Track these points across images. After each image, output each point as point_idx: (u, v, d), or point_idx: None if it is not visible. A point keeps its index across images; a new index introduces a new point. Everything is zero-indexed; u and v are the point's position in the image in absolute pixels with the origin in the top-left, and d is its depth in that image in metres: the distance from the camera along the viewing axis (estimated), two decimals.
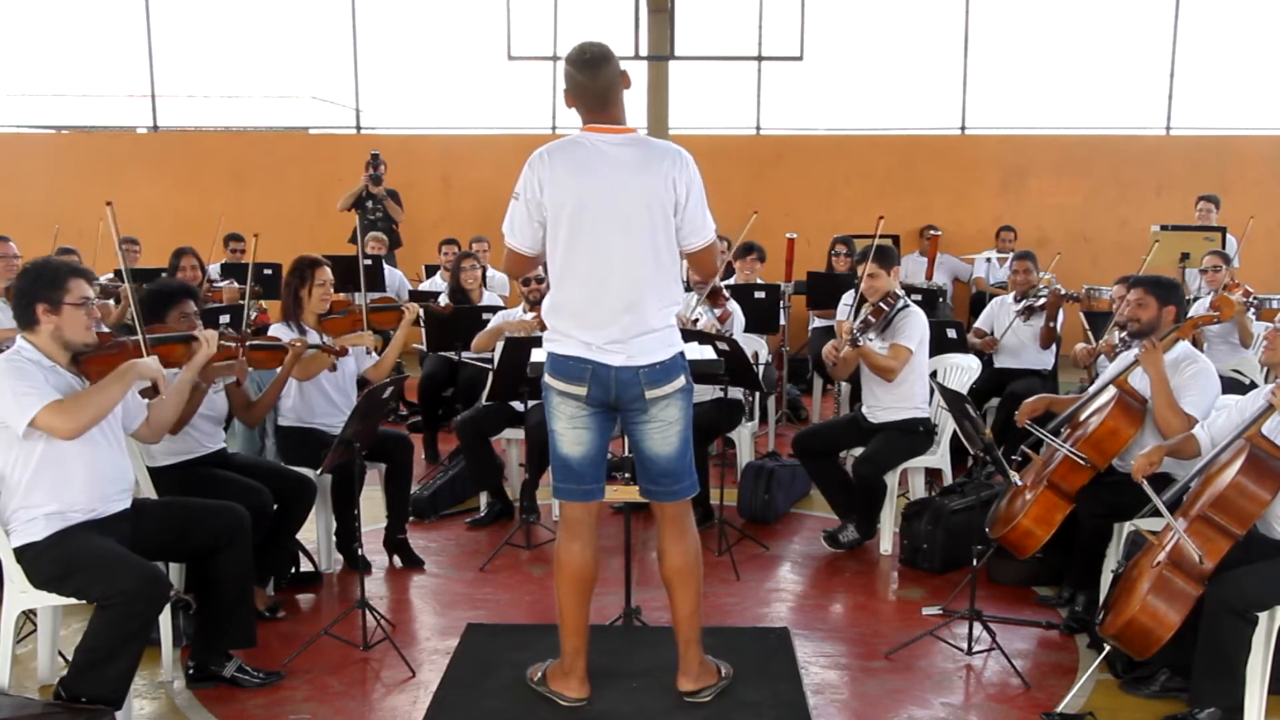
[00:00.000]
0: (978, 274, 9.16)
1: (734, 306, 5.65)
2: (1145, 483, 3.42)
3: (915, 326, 4.80)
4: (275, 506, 3.96)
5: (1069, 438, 4.07)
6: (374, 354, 4.82)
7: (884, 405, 4.85)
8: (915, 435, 4.82)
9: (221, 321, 5.16)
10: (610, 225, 2.92)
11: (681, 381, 3.03)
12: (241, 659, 3.55)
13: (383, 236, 8.43)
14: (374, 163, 8.78)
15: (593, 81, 2.95)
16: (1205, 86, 10.25)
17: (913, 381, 4.76)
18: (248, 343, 3.96)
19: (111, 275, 6.62)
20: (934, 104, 10.44)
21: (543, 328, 5.34)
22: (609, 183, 2.91)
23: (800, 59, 9.06)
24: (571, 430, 3.05)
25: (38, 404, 3.04)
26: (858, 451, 4.88)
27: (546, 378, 3.05)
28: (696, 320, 5.24)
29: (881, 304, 4.82)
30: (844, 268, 7.53)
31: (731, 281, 6.63)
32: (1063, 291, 6.16)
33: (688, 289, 6.16)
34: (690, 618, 3.15)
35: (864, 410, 4.98)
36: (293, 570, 4.42)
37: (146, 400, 3.52)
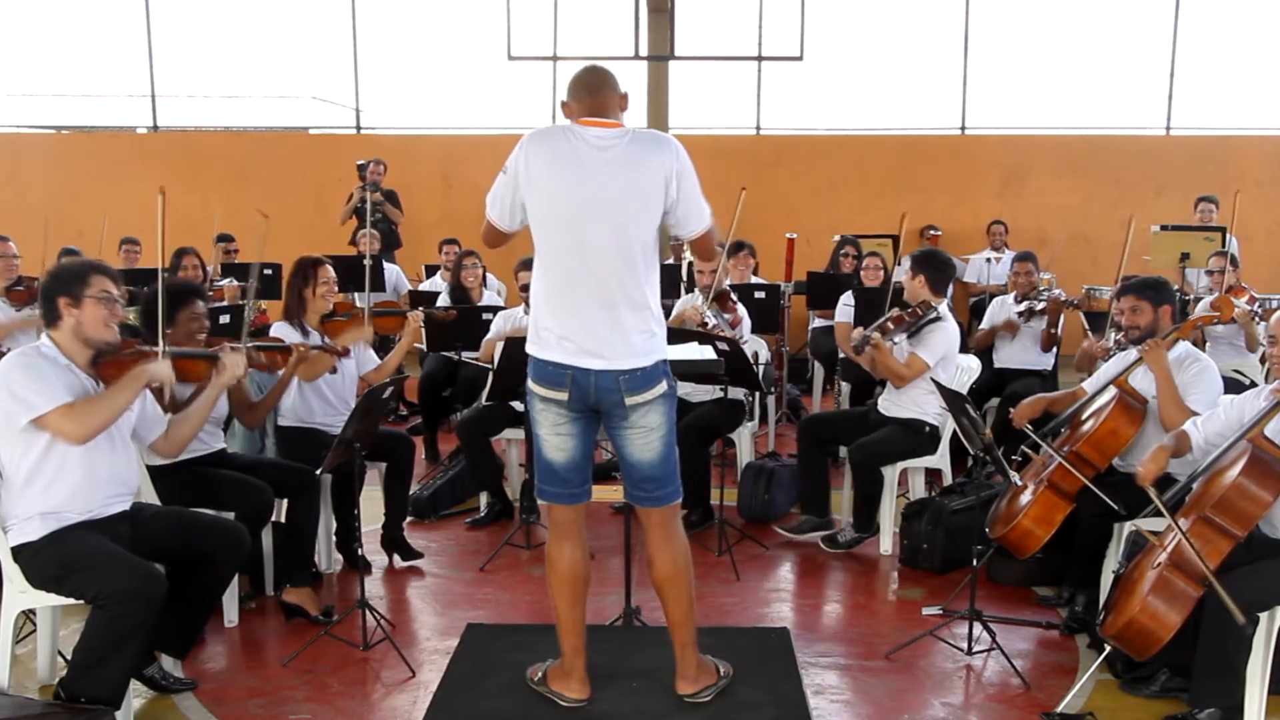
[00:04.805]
0: (975, 274, 9.14)
1: (742, 310, 5.65)
2: (1152, 488, 3.40)
3: (939, 342, 4.75)
4: (282, 501, 3.98)
5: (1069, 439, 4.07)
6: (374, 356, 4.82)
7: (897, 402, 4.86)
8: (919, 435, 4.81)
9: (221, 321, 5.16)
10: (593, 223, 2.88)
11: (663, 388, 2.98)
12: (166, 668, 3.47)
13: (375, 233, 8.42)
14: (361, 173, 8.80)
15: (588, 76, 2.99)
16: (1205, 86, 10.26)
17: (929, 388, 4.73)
18: (250, 345, 3.96)
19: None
20: (934, 104, 10.45)
21: None
22: (595, 179, 2.88)
23: (800, 59, 9.06)
24: (555, 436, 3.01)
25: (46, 405, 3.05)
26: None
27: (529, 382, 3.00)
28: (707, 323, 5.22)
29: (905, 313, 4.78)
30: (851, 268, 7.52)
31: (729, 282, 6.62)
32: (1064, 298, 6.15)
33: (690, 290, 6.15)
34: (684, 621, 3.13)
35: (878, 404, 4.99)
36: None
37: (169, 416, 3.52)
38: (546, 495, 3.10)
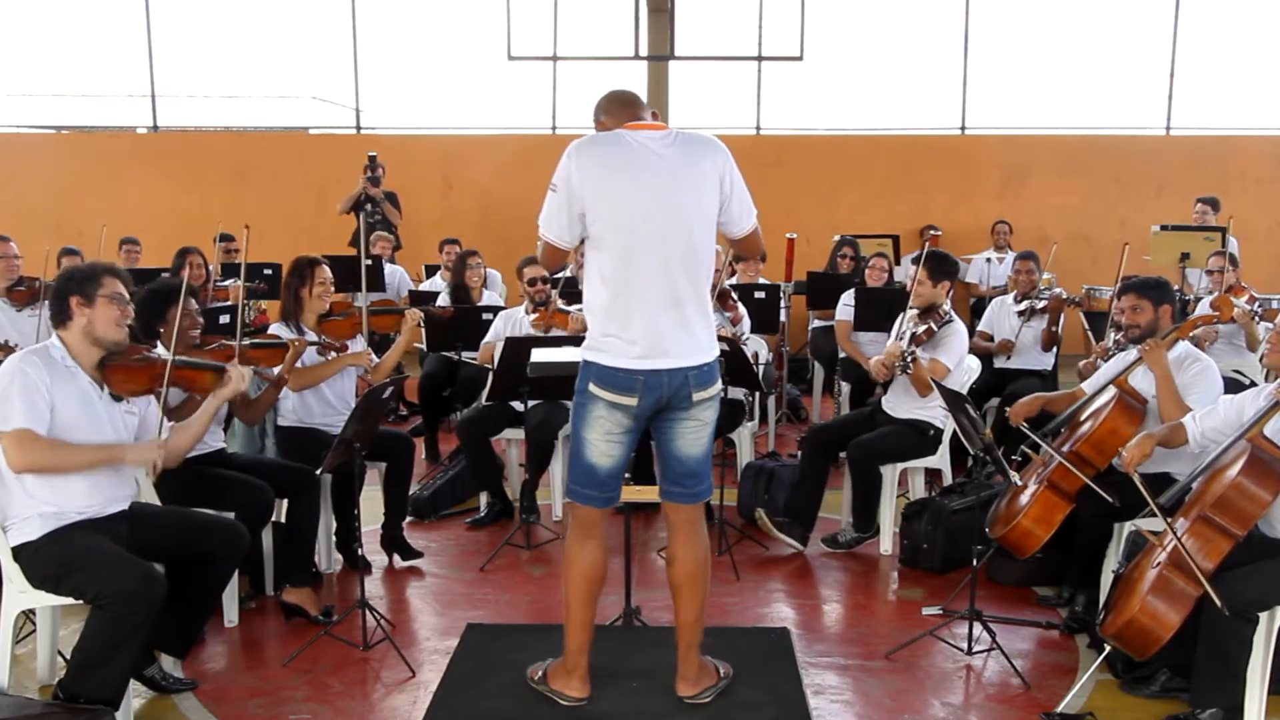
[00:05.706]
0: (977, 274, 9.14)
1: (742, 309, 5.67)
2: (1137, 475, 3.40)
3: (957, 344, 4.77)
4: (283, 501, 3.99)
5: (1069, 439, 4.07)
6: (373, 357, 4.82)
7: (903, 403, 4.85)
8: (922, 437, 4.81)
9: (221, 321, 5.16)
10: (660, 223, 2.90)
11: (719, 385, 3.07)
12: (166, 668, 3.48)
13: (389, 236, 8.44)
14: (371, 165, 8.79)
15: (620, 92, 3.08)
16: (1205, 86, 10.26)
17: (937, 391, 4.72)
18: (247, 341, 3.97)
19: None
20: (934, 104, 10.45)
21: (542, 326, 5.38)
22: (659, 180, 2.90)
23: (800, 59, 9.07)
24: (606, 443, 3.02)
25: (15, 422, 3.05)
26: None
27: (593, 388, 2.97)
28: None
29: (932, 324, 4.78)
30: (849, 269, 7.53)
31: (733, 282, 6.63)
32: (1065, 296, 6.15)
33: None
34: (694, 624, 3.15)
35: (883, 404, 5.00)
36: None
37: (170, 423, 3.52)
38: (579, 497, 3.11)
